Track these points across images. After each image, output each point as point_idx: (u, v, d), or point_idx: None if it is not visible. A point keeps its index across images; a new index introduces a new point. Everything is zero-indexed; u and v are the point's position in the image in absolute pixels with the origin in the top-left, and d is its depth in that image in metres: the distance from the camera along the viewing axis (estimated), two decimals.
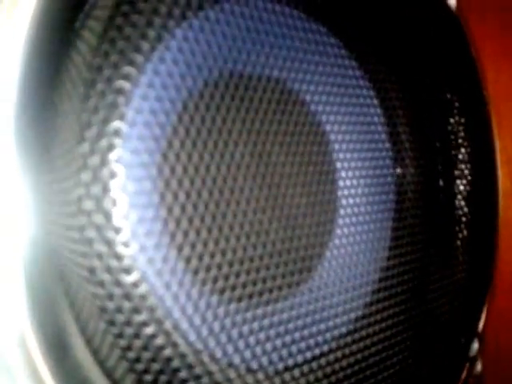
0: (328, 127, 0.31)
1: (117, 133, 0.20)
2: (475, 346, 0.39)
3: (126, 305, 0.21)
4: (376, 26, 0.36)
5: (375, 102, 0.35)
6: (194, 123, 0.23)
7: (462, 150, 0.40)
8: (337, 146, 0.31)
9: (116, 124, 0.20)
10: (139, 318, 0.21)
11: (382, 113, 0.36)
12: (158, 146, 0.22)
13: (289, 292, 0.27)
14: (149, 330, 0.22)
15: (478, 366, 0.39)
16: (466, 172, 0.40)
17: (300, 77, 0.29)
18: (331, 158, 0.31)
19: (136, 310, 0.21)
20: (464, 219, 0.40)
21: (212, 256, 0.24)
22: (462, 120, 0.40)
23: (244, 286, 0.25)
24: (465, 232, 0.40)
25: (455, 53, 0.39)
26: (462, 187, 0.40)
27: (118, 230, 0.21)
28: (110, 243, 0.21)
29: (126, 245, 0.21)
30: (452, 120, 0.40)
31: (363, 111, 0.34)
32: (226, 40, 0.25)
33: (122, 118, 0.21)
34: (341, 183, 0.31)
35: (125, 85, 0.21)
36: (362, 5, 0.35)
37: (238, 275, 0.25)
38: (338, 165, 0.31)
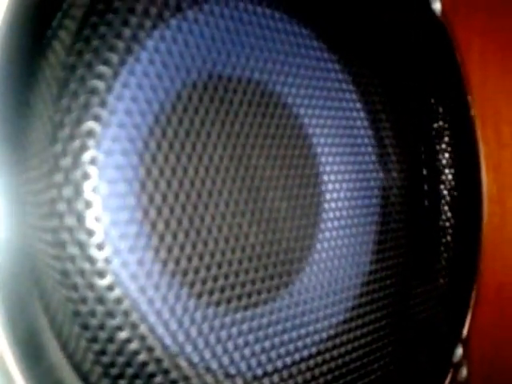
0: (311, 130, 0.31)
1: (90, 133, 0.20)
2: (459, 351, 0.39)
3: (100, 309, 0.21)
4: (360, 30, 0.36)
5: (358, 105, 0.35)
6: (171, 124, 0.23)
7: (446, 156, 0.40)
8: (320, 150, 0.31)
9: (89, 124, 0.20)
10: (113, 322, 0.21)
11: (365, 117, 0.36)
12: (134, 147, 0.22)
13: (268, 296, 0.27)
14: (123, 335, 0.21)
15: (464, 372, 0.39)
16: (450, 177, 0.40)
17: (282, 79, 0.29)
18: (314, 161, 0.31)
19: (110, 314, 0.21)
20: (448, 224, 0.40)
21: (189, 259, 0.24)
22: (446, 125, 0.40)
23: (222, 289, 0.25)
24: (448, 237, 0.40)
25: (440, 58, 0.39)
26: (445, 192, 0.40)
27: (90, 233, 0.20)
28: (82, 246, 0.20)
29: (99, 247, 0.20)
30: (436, 125, 0.40)
31: (346, 115, 0.34)
32: (205, 40, 0.25)
33: (95, 118, 0.20)
34: (324, 187, 0.31)
35: (98, 84, 0.20)
36: (346, 7, 0.35)
37: (216, 279, 0.24)
38: (321, 169, 0.31)
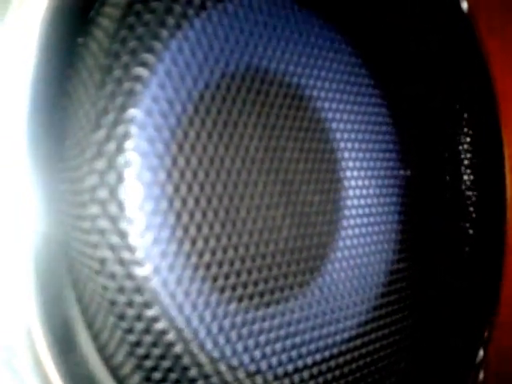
0: (333, 125, 0.30)
1: (133, 120, 0.20)
2: (481, 353, 0.39)
3: (138, 299, 0.21)
4: (387, 30, 0.35)
5: (382, 101, 0.35)
6: (209, 114, 0.23)
7: (470, 160, 0.40)
8: (342, 145, 0.31)
9: (133, 111, 0.20)
10: (150, 312, 0.21)
11: (388, 113, 0.35)
12: (173, 136, 0.21)
13: (291, 294, 0.27)
14: (159, 326, 0.21)
15: (481, 373, 0.39)
16: (473, 180, 0.40)
17: (308, 74, 0.29)
18: (337, 156, 0.30)
19: (147, 305, 0.21)
20: (472, 225, 0.40)
21: (225, 252, 0.23)
22: (471, 132, 0.39)
23: (245, 285, 0.24)
24: (472, 241, 0.40)
25: (468, 58, 0.39)
26: (470, 193, 0.40)
27: (131, 221, 0.20)
28: (123, 234, 0.20)
29: (140, 236, 0.20)
30: (460, 131, 0.39)
31: (370, 110, 0.33)
32: (243, 33, 0.25)
33: (138, 105, 0.20)
34: (346, 183, 0.30)
35: (143, 72, 0.20)
36: (374, 12, 0.34)
37: (239, 274, 0.24)
38: (344, 164, 0.31)
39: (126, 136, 0.20)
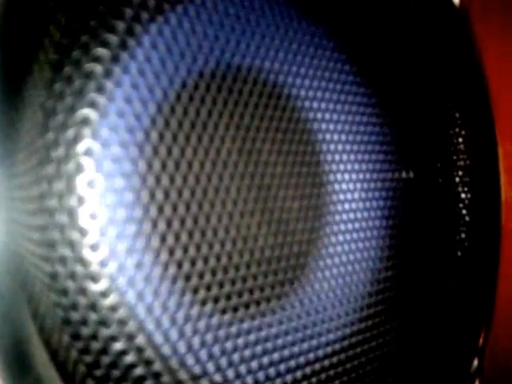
0: (319, 125, 0.29)
1: (85, 122, 0.18)
2: (475, 362, 0.37)
3: (92, 316, 0.19)
4: (376, 26, 0.34)
5: (373, 101, 0.33)
6: (175, 114, 0.21)
7: (464, 160, 0.38)
8: (328, 147, 0.29)
9: (84, 112, 0.18)
10: (107, 331, 0.19)
11: (379, 113, 0.34)
12: (134, 138, 0.20)
13: (278, 304, 0.25)
14: (118, 346, 0.19)
15: (477, 382, 0.38)
16: (467, 180, 0.39)
17: (292, 71, 0.27)
18: (322, 158, 0.29)
19: (103, 323, 0.19)
20: (465, 229, 0.38)
21: (193, 262, 0.22)
22: (463, 132, 0.38)
23: (228, 297, 0.23)
24: (466, 243, 0.38)
25: (460, 55, 0.37)
26: (463, 195, 0.39)
27: (83, 232, 0.18)
28: (74, 246, 0.18)
29: (93, 248, 0.18)
30: (452, 131, 0.38)
31: (359, 110, 0.32)
32: (213, 26, 0.23)
33: (91, 105, 0.18)
34: (332, 187, 0.29)
35: (95, 68, 0.18)
36: (361, 5, 0.33)
37: (221, 285, 0.22)
38: (332, 167, 0.29)
39: (76, 139, 0.18)
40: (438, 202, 0.38)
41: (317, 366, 0.26)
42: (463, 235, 0.38)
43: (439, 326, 0.35)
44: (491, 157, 0.39)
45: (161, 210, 0.20)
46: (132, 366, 0.20)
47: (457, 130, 0.38)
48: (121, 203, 0.19)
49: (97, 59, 0.18)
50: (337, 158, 0.29)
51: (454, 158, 0.38)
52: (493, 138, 0.39)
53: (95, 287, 0.19)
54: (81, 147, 0.18)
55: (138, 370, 0.20)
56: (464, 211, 0.38)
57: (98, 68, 0.18)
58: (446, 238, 0.38)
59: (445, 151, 0.38)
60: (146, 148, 0.20)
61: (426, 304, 0.35)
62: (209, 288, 0.22)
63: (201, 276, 0.21)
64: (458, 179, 0.38)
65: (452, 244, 0.38)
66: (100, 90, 0.18)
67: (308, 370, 0.25)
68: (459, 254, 0.38)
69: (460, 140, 0.38)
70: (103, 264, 0.19)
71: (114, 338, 0.19)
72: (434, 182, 0.38)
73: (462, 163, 0.38)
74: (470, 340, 0.36)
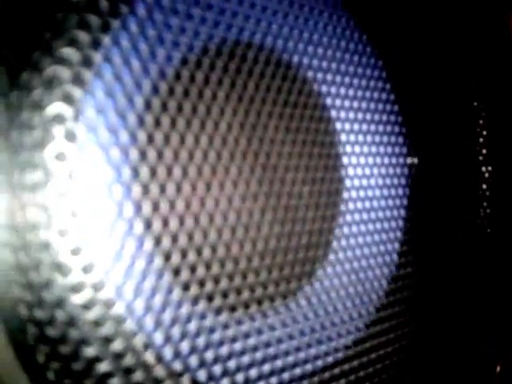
0: (331, 101, 0.25)
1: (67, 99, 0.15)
2: (497, 369, 0.34)
3: (61, 315, 0.16)
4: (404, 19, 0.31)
5: (388, 86, 0.30)
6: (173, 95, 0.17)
7: (484, 153, 0.36)
8: (340, 126, 0.26)
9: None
10: (75, 332, 0.16)
11: (395, 99, 0.31)
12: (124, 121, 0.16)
13: (282, 303, 0.22)
14: (90, 352, 0.16)
15: None
16: (487, 175, 0.36)
17: (304, 51, 0.24)
18: (336, 139, 0.25)
19: (72, 324, 0.16)
20: (488, 229, 0.35)
21: (183, 254, 0.18)
22: (487, 124, 0.35)
23: (225, 294, 0.19)
24: (489, 237, 0.35)
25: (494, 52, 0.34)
26: (484, 186, 0.36)
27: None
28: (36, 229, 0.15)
29: (61, 234, 0.15)
30: (476, 126, 0.35)
31: (371, 86, 0.28)
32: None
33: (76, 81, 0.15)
34: (344, 172, 0.25)
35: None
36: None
37: (217, 280, 0.19)
38: (342, 149, 0.26)
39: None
40: (458, 194, 0.35)
41: (326, 376, 0.23)
42: (488, 229, 0.35)
43: (459, 329, 0.32)
44: None
45: (146, 189, 0.17)
46: (108, 376, 0.16)
47: (481, 121, 0.35)
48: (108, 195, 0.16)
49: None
50: (352, 138, 0.26)
51: (478, 149, 0.36)
52: None
53: (65, 280, 0.15)
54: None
55: (115, 381, 0.16)
56: (485, 203, 0.35)
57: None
58: (468, 232, 0.35)
59: (469, 142, 0.35)
60: (146, 118, 0.17)
61: (445, 305, 0.32)
62: (202, 283, 0.19)
63: (192, 269, 0.18)
64: (483, 169, 0.35)
65: (475, 238, 0.35)
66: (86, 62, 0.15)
67: (315, 380, 0.22)
68: (484, 246, 0.35)
69: (484, 133, 0.36)
70: (75, 252, 0.16)
71: (83, 342, 0.16)
72: (457, 174, 0.35)
73: (485, 156, 0.36)
74: (494, 345, 0.33)
